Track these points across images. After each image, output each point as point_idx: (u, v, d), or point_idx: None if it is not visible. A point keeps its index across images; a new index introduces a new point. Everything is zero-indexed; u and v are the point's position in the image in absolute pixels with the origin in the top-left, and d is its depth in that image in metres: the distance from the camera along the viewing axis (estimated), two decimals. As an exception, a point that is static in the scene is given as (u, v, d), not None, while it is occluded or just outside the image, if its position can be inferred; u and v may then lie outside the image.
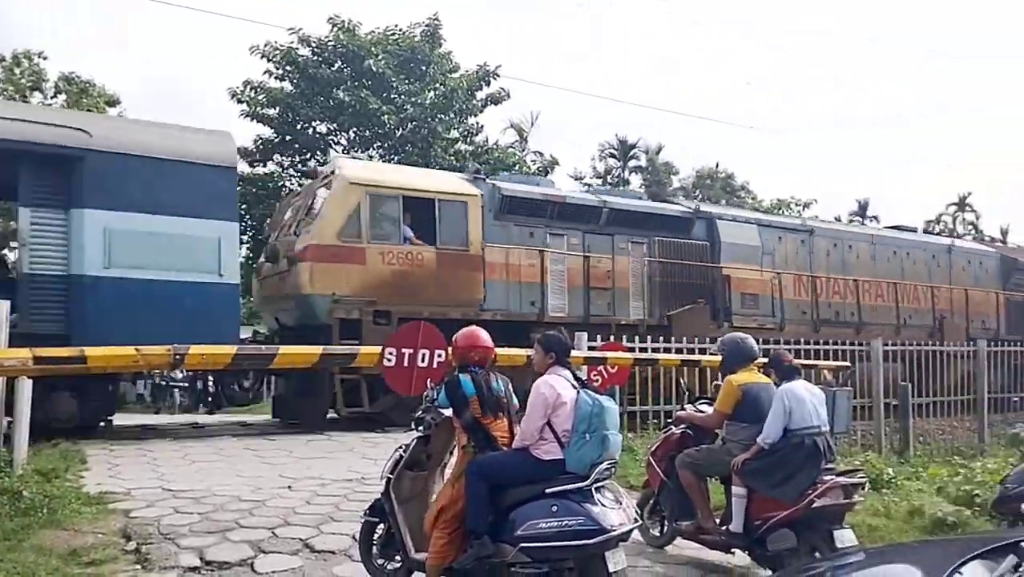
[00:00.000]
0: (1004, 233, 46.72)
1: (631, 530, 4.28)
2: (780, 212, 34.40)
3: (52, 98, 21.30)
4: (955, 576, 2.50)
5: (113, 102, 22.13)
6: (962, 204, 49.20)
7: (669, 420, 6.39)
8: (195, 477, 7.30)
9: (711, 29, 72.23)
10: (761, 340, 7.35)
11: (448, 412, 4.59)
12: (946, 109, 74.45)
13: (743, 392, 5.47)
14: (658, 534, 6.07)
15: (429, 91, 20.81)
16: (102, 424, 10.16)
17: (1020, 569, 2.44)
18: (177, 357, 5.41)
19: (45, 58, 21.35)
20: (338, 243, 10.74)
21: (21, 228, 9.20)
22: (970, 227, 48.71)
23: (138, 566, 5.06)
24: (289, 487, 7.01)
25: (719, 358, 5.91)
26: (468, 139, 22.12)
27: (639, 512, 5.75)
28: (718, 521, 5.63)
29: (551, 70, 64.30)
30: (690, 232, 14.27)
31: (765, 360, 6.05)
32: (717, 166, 38.77)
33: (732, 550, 5.62)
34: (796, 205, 37.33)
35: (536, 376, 4.58)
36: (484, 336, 4.70)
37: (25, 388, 6.99)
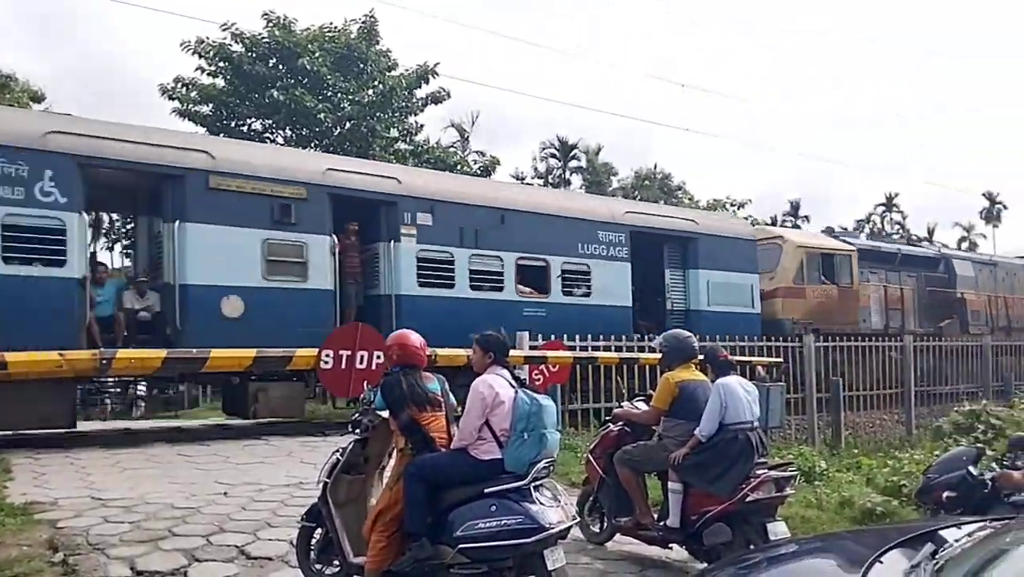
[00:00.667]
0: (931, 232, 48.68)
1: (569, 527, 4.32)
2: (716, 211, 35.19)
3: (-30, 92, 20.36)
4: (876, 564, 2.59)
5: (38, 98, 21.27)
6: (889, 204, 51.03)
7: (607, 417, 6.45)
8: (126, 485, 7.07)
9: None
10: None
11: (385, 414, 4.56)
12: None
13: (680, 389, 5.56)
14: (598, 530, 6.13)
15: (367, 89, 20.57)
16: None
17: (936, 556, 2.54)
18: (103, 362, 5.24)
19: (-37, 52, 20.44)
20: (793, 285, 16.19)
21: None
22: (897, 227, 50.57)
23: (65, 578, 4.89)
24: (225, 493, 6.86)
25: (658, 356, 5.99)
26: (408, 138, 21.95)
27: (579, 509, 5.81)
28: (656, 517, 5.71)
29: (499, 71, 64.30)
30: (938, 268, 20.33)
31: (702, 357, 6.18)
32: (656, 167, 39.39)
33: (670, 545, 5.71)
34: (731, 205, 38.18)
35: (475, 376, 4.58)
36: (413, 337, 4.66)
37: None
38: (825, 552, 3.25)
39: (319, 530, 4.82)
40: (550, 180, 36.62)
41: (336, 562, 4.72)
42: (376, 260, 10.78)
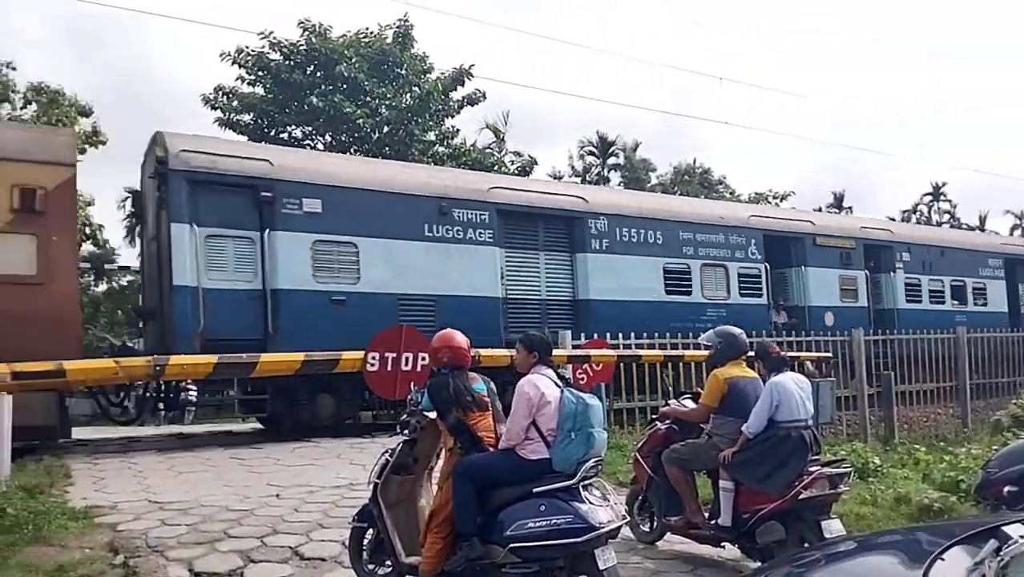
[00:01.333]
0: (982, 221, 47.39)
1: (619, 527, 4.30)
2: (759, 204, 34.70)
3: (21, 109, 20.97)
4: (938, 562, 2.53)
5: (85, 112, 21.84)
6: (937, 193, 49.77)
7: (655, 416, 6.41)
8: (182, 488, 7.24)
9: (713, 29, 72.44)
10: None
11: (432, 415, 4.59)
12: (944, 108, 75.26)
13: (729, 386, 5.50)
14: (648, 530, 6.09)
15: (404, 93, 20.74)
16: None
17: (1000, 553, 2.48)
18: (157, 368, 5.39)
19: (14, 68, 21.05)
20: None
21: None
22: (946, 215, 49.33)
23: (126, 580, 5.02)
24: (277, 495, 6.97)
25: (706, 353, 5.93)
26: (445, 141, 22.07)
27: (628, 509, 5.78)
28: (707, 515, 5.66)
29: (530, 71, 64.24)
30: None
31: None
32: (695, 162, 38.95)
33: (722, 543, 5.65)
34: (773, 198, 37.61)
35: (519, 376, 4.59)
36: (459, 337, 4.69)
37: (5, 403, 6.92)
38: (884, 549, 3.18)
39: (371, 531, 4.87)
40: (588, 178, 36.45)
41: (388, 562, 4.76)
42: None
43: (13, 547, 5.51)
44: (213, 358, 5.73)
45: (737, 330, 5.88)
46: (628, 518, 4.82)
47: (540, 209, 12.47)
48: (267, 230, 10.00)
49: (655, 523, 6.04)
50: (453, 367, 4.59)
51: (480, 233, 11.63)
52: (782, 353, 5.82)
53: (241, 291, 9.73)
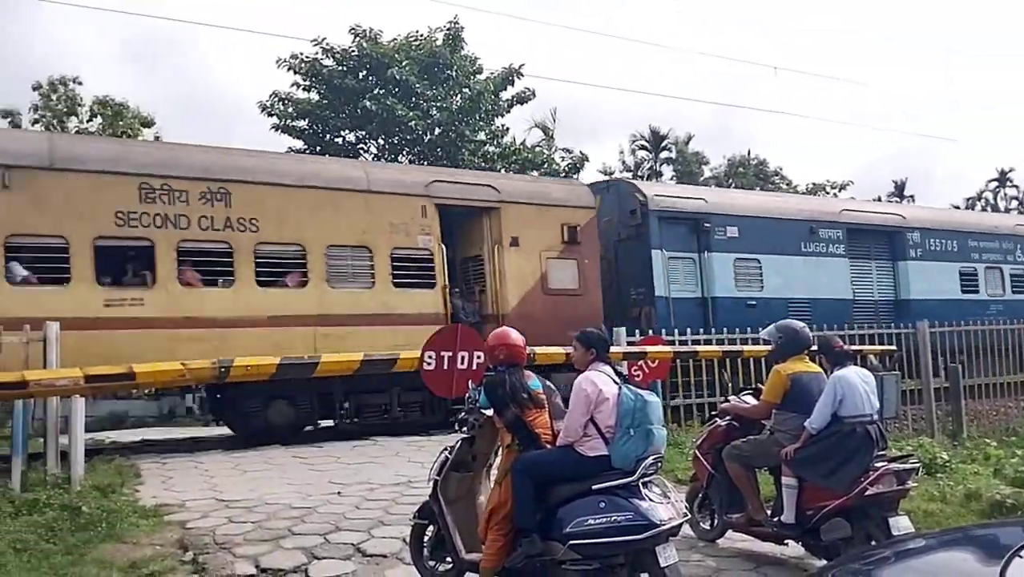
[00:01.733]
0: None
1: (681, 524, 4.27)
2: (816, 195, 33.95)
3: (87, 122, 21.75)
4: (1016, 559, 2.44)
5: (148, 123, 22.54)
6: (1003, 179, 47.98)
7: (714, 412, 6.33)
8: (247, 487, 7.41)
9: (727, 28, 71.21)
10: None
11: (490, 412, 4.62)
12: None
13: (791, 381, 5.40)
14: (708, 528, 6.02)
15: (455, 95, 20.87)
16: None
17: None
18: (222, 370, 5.54)
19: (80, 83, 21.84)
20: None
21: None
22: (1014, 201, 47.54)
23: (196, 576, 5.16)
24: (339, 493, 7.09)
25: (767, 347, 5.84)
26: (495, 141, 22.14)
27: (688, 506, 5.72)
28: (769, 512, 5.57)
29: (575, 67, 64.04)
30: None
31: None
32: (749, 153, 38.32)
33: (785, 541, 5.56)
34: (831, 188, 36.77)
35: (577, 373, 4.58)
36: (515, 335, 4.71)
37: (79, 406, 7.18)
38: (957, 546, 3.09)
39: (431, 527, 4.91)
40: (640, 173, 36.17)
41: (449, 559, 4.80)
42: None
43: (88, 544, 5.72)
44: (276, 359, 5.90)
45: (799, 324, 5.77)
46: (689, 515, 4.77)
47: (873, 226, 15.42)
48: (704, 252, 13.33)
49: (716, 520, 5.97)
50: (509, 364, 4.61)
51: (835, 247, 14.67)
52: (844, 347, 5.69)
53: (690, 299, 13.03)
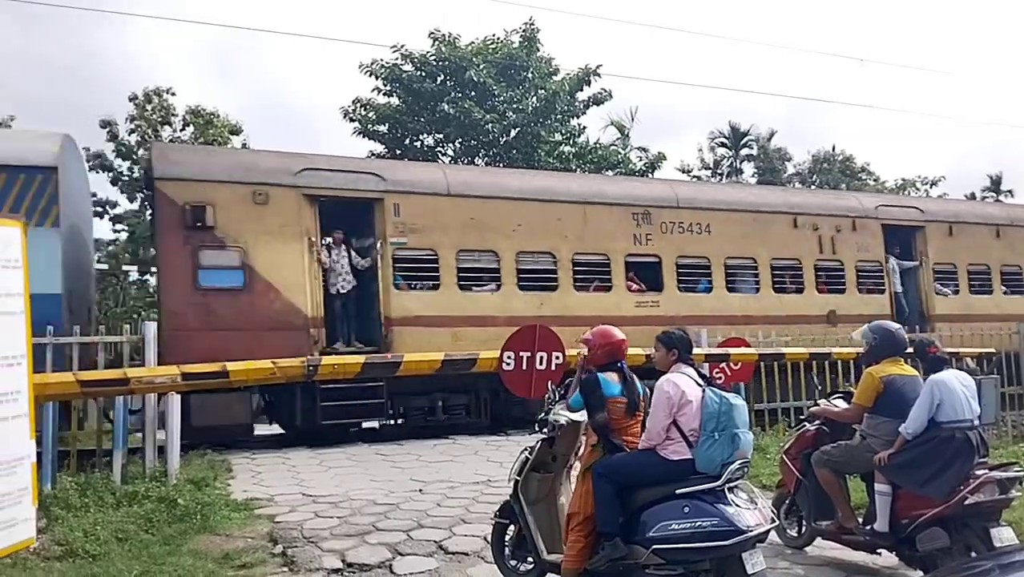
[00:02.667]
0: None
1: (768, 531, 4.17)
2: (906, 192, 32.60)
3: (180, 131, 22.68)
4: None
5: (236, 131, 23.35)
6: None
7: (802, 417, 6.15)
8: (332, 482, 7.61)
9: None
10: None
11: (570, 415, 4.60)
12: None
13: (885, 384, 5.21)
14: (796, 535, 5.85)
15: (531, 96, 20.91)
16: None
17: None
18: (311, 369, 5.69)
19: (173, 94, 22.77)
20: None
21: None
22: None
23: (285, 568, 5.32)
24: (420, 490, 7.20)
25: (860, 349, 5.64)
26: (571, 141, 22.08)
27: (775, 512, 5.58)
28: (861, 520, 5.38)
29: (653, 65, 63.23)
30: None
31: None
32: (834, 148, 37.07)
33: (878, 550, 5.36)
34: (922, 184, 35.25)
35: (659, 375, 4.51)
36: (618, 333, 4.64)
37: (175, 403, 7.50)
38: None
39: (512, 527, 4.93)
40: (720, 171, 35.45)
41: (530, 559, 4.81)
42: None
43: (184, 535, 5.97)
44: (361, 358, 6.06)
45: (895, 326, 5.56)
46: (777, 522, 4.64)
47: None
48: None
49: (804, 528, 5.80)
50: (608, 364, 4.56)
51: None
52: (941, 350, 5.44)
53: None
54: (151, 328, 7.48)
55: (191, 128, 22.51)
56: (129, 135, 22.02)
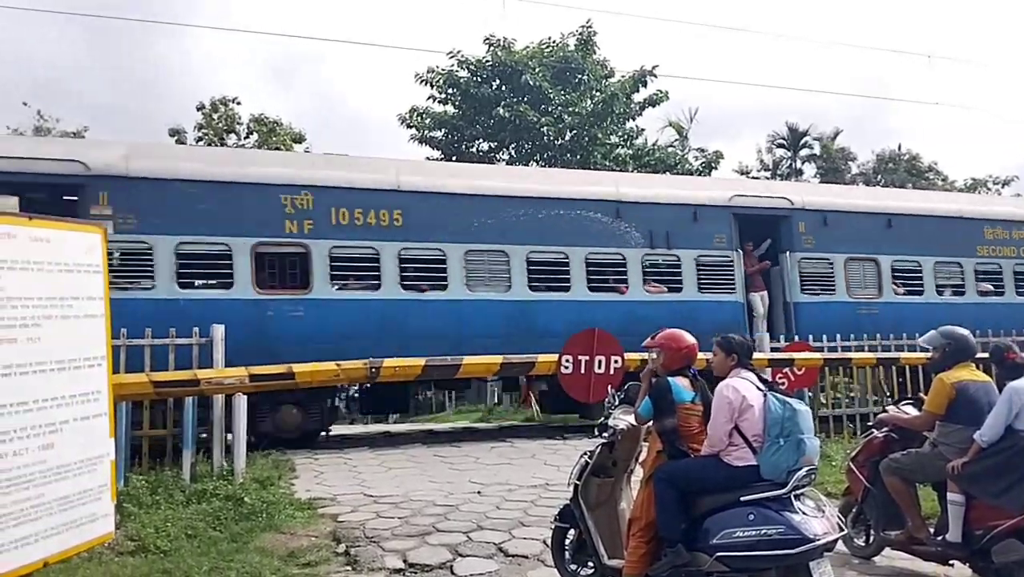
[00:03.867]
0: None
1: (836, 539, 4.08)
2: (977, 192, 31.50)
3: (245, 139, 23.32)
4: None
5: (298, 139, 23.91)
6: None
7: (869, 423, 5.99)
8: (392, 483, 7.71)
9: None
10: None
11: (630, 420, 4.57)
12: None
13: (957, 391, 5.04)
14: (863, 544, 5.70)
15: (587, 99, 20.86)
16: (322, 434, 11.06)
17: None
18: (373, 370, 5.79)
19: (239, 103, 23.45)
20: None
21: None
22: None
23: (349, 567, 5.41)
24: (479, 492, 7.24)
25: (929, 354, 5.47)
26: (628, 143, 21.95)
27: (843, 520, 5.45)
28: (932, 530, 5.21)
29: (711, 65, 62.43)
30: None
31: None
32: (899, 148, 36.03)
33: (950, 561, 5.18)
34: (994, 184, 34.01)
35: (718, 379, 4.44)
36: (689, 337, 4.58)
37: (241, 404, 7.70)
38: None
39: (572, 531, 4.91)
40: (779, 172, 34.78)
41: (591, 564, 4.79)
42: None
43: (251, 533, 6.11)
44: (422, 360, 6.14)
45: (965, 331, 5.37)
46: (845, 531, 4.53)
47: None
48: None
49: (871, 537, 5.64)
50: (682, 368, 4.51)
51: None
52: (1020, 357, 5.23)
53: None
54: (219, 330, 7.69)
55: (255, 136, 23.11)
56: (197, 143, 22.74)
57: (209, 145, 22.21)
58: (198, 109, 23.11)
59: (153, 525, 6.04)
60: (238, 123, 23.22)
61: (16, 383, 2.99)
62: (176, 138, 22.62)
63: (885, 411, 5.76)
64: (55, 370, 3.15)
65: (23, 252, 3.06)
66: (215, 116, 23.02)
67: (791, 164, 35.52)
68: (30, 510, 3.07)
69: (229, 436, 7.85)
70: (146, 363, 7.42)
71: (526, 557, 5.49)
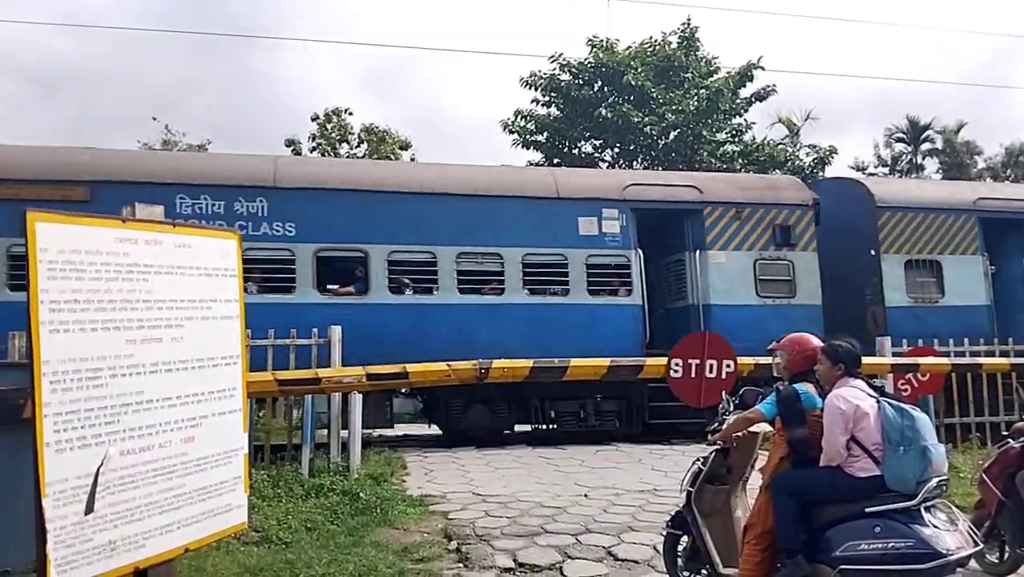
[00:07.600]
0: None
1: (971, 555, 3.87)
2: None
3: (356, 147, 24.14)
4: None
5: (405, 147, 24.59)
6: None
7: (1005, 433, 5.64)
8: (499, 483, 7.81)
9: None
10: None
11: (743, 418, 4.47)
12: None
13: None
14: (997, 560, 5.37)
15: (691, 97, 20.52)
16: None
17: None
18: (482, 371, 5.88)
19: (351, 114, 24.30)
20: None
21: None
22: None
23: (460, 564, 5.52)
24: (586, 495, 7.24)
25: None
26: (737, 138, 21.43)
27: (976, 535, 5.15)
28: (1077, 549, 4.86)
29: (821, 57, 60.00)
30: None
31: None
32: (1031, 140, 33.60)
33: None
34: None
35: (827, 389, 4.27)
36: (814, 340, 4.46)
37: (357, 401, 7.98)
38: None
39: (685, 538, 4.85)
40: (898, 167, 33.10)
41: (704, 572, 4.71)
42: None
43: (366, 527, 6.34)
44: (529, 362, 6.22)
45: None
46: (980, 546, 4.28)
47: None
48: None
49: (1006, 554, 5.31)
50: (805, 372, 4.39)
51: None
52: None
53: None
54: (336, 331, 8.00)
55: (365, 145, 23.89)
56: (311, 152, 23.69)
57: (323, 155, 23.09)
58: (313, 119, 24.07)
59: (275, 517, 6.35)
60: (350, 133, 24.05)
61: (162, 380, 3.21)
62: (292, 148, 23.63)
63: (1023, 420, 5.40)
64: (196, 368, 3.37)
65: (168, 257, 3.29)
66: (329, 127, 23.91)
67: (911, 159, 33.76)
68: (173, 499, 3.28)
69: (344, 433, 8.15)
70: (268, 362, 7.79)
71: (636, 562, 5.45)
